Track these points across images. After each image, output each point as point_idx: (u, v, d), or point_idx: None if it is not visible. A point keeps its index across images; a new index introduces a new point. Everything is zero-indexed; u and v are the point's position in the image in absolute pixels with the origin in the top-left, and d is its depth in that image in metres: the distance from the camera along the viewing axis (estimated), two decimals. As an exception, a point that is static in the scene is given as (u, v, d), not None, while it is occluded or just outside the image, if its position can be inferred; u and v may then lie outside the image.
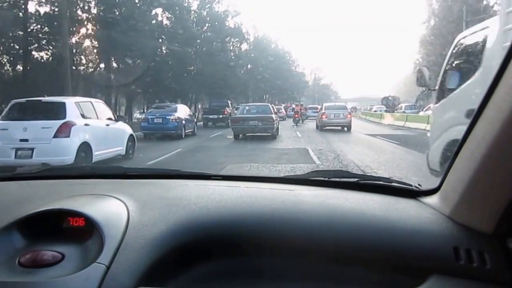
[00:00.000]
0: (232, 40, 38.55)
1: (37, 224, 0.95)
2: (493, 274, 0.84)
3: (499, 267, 0.84)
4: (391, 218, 1.01)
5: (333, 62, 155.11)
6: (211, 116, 25.52)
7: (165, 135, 16.38)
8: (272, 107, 18.69)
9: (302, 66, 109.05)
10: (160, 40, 23.63)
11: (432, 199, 1.07)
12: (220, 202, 1.09)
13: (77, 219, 0.95)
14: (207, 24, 34.47)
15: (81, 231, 0.94)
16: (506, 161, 0.78)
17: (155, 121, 16.89)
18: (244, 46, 46.63)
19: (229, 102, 28.65)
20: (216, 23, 34.78)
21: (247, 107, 17.73)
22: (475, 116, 0.85)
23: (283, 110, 35.22)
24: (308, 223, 0.99)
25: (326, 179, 1.31)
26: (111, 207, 1.03)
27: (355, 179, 1.29)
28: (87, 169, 1.90)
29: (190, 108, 32.21)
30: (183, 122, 17.13)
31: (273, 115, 16.08)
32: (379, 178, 1.34)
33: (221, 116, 24.83)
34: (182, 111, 17.96)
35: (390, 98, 44.37)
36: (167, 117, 16.60)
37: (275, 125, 15.65)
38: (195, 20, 32.92)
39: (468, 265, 0.85)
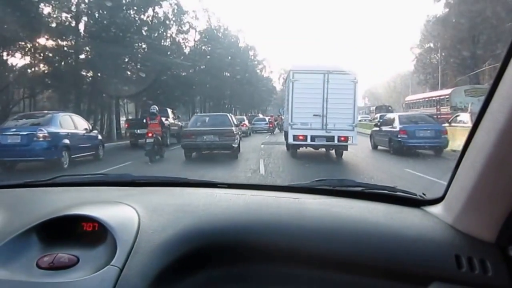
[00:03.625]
0: (163, 13, 27.90)
1: (54, 229, 1.01)
2: (494, 282, 0.85)
3: (501, 275, 0.85)
4: (394, 227, 1.03)
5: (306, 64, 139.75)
6: (138, 131, 17.31)
7: (32, 164, 10.76)
8: (231, 117, 15.31)
9: (269, 68, 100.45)
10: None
11: (437, 208, 1.08)
12: (227, 209, 1.15)
13: (90, 224, 1.01)
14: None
15: (95, 235, 1.00)
16: (505, 170, 0.81)
17: (8, 141, 10.45)
18: (192, 37, 36.59)
19: (168, 110, 20.28)
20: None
21: (200, 119, 14.78)
22: (474, 126, 0.87)
23: (246, 122, 27.68)
24: (312, 231, 1.02)
25: (331, 187, 1.36)
26: (122, 213, 1.08)
27: (360, 188, 1.35)
28: (98, 177, 1.86)
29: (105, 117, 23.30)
30: (67, 141, 10.98)
31: (233, 128, 13.28)
32: (384, 187, 1.36)
33: (153, 131, 16.71)
34: (67, 123, 11.68)
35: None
36: (30, 133, 10.37)
37: (236, 140, 12.86)
38: None
39: (469, 273, 0.87)
